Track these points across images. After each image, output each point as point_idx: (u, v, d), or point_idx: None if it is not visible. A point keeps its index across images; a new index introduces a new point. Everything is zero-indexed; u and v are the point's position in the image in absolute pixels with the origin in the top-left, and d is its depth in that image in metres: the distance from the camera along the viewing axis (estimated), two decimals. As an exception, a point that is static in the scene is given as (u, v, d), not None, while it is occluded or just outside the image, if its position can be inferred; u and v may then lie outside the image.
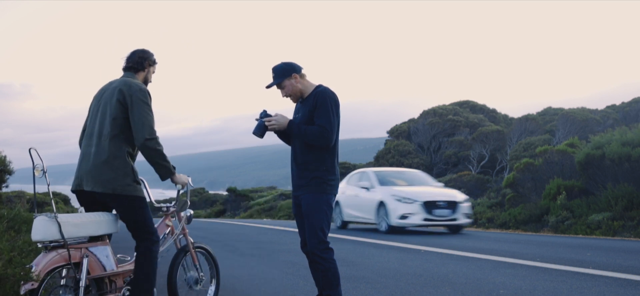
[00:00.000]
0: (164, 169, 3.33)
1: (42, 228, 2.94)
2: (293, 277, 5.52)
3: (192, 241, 3.95)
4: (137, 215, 3.30)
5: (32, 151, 2.97)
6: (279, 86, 3.57)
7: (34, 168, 3.01)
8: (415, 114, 32.38)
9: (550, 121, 28.84)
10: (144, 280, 3.26)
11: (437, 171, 26.51)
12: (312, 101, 3.50)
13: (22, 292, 2.80)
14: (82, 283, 2.99)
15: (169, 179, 3.46)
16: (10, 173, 8.21)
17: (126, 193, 3.20)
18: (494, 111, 32.98)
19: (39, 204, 23.49)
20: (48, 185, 3.07)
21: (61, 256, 2.95)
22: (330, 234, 3.58)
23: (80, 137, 3.47)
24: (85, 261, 3.05)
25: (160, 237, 3.62)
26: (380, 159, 27.04)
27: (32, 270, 2.83)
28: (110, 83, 3.40)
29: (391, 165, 26.00)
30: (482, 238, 10.03)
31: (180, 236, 3.88)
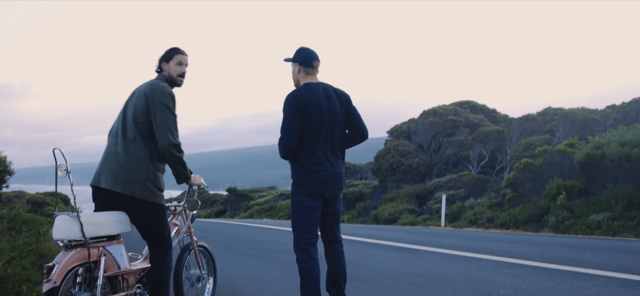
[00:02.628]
0: (182, 175, 3.41)
1: (64, 227, 2.97)
2: (293, 277, 5.52)
3: (196, 240, 4.02)
4: (153, 221, 3.30)
5: (56, 150, 2.97)
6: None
7: (57, 167, 3.01)
8: (415, 114, 32.42)
9: (550, 121, 28.83)
10: (161, 286, 3.32)
11: (437, 171, 26.50)
12: None
13: (44, 290, 2.81)
14: (100, 281, 3.03)
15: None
16: (10, 173, 8.20)
17: (145, 197, 3.21)
18: (494, 111, 32.97)
19: (39, 204, 23.51)
20: (71, 185, 3.06)
21: (81, 255, 2.98)
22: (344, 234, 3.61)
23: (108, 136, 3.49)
24: (102, 259, 3.09)
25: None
26: (380, 159, 27.03)
27: (54, 267, 2.84)
28: (140, 86, 3.39)
29: (391, 165, 26.01)
30: (482, 238, 10.03)
31: (185, 235, 3.96)
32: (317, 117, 3.39)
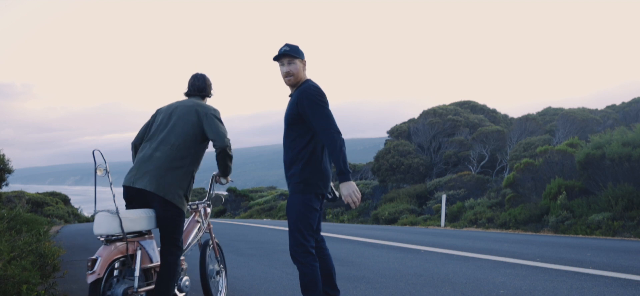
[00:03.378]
0: (229, 170, 3.86)
1: (105, 222, 3.21)
2: (293, 277, 5.52)
3: (214, 236, 4.34)
4: (175, 225, 3.55)
5: (95, 152, 3.19)
6: (289, 61, 3.40)
7: (96, 167, 3.21)
8: (416, 114, 32.43)
9: (550, 121, 28.84)
10: (167, 284, 3.46)
11: (437, 171, 26.49)
12: (297, 95, 3.35)
13: (89, 281, 3.03)
14: (137, 273, 3.24)
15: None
16: (9, 171, 8.21)
17: (175, 202, 3.50)
18: (494, 111, 32.97)
19: (39, 204, 23.51)
20: (111, 184, 3.26)
21: (120, 249, 3.21)
22: (326, 234, 3.59)
23: (135, 142, 3.85)
24: (139, 253, 3.32)
25: (194, 232, 4.08)
26: (380, 159, 27.03)
27: (97, 260, 3.08)
28: (182, 102, 3.82)
29: (391, 165, 26.00)
30: (482, 238, 10.03)
31: (205, 232, 4.25)
32: None
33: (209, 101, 4.03)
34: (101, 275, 3.04)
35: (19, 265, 3.49)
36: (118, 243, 3.23)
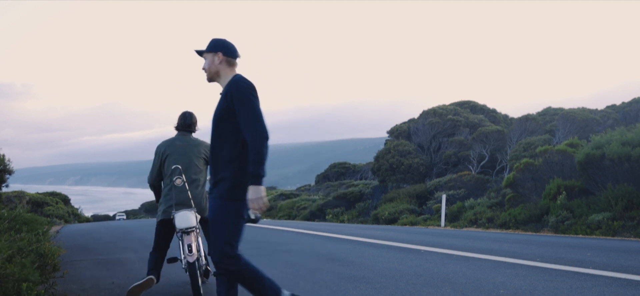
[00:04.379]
0: None
1: (188, 219, 4.41)
2: (293, 277, 5.52)
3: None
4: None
5: (175, 168, 4.62)
6: (205, 57, 3.27)
7: (176, 178, 4.55)
8: (416, 114, 32.43)
9: (550, 121, 28.84)
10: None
11: (437, 171, 26.49)
12: (227, 88, 3.13)
13: (191, 261, 4.26)
14: (202, 252, 4.66)
15: None
16: (10, 172, 8.21)
17: (204, 215, 4.81)
18: (494, 111, 32.98)
19: (39, 204, 23.50)
20: (188, 191, 4.67)
21: (195, 236, 4.43)
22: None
23: (153, 182, 4.85)
24: (200, 240, 4.64)
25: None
26: (380, 159, 27.03)
27: (191, 245, 4.32)
28: (186, 141, 4.83)
29: (391, 165, 26.00)
30: (482, 238, 10.03)
31: None
32: None
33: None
34: (194, 258, 4.28)
35: (19, 264, 3.49)
36: (193, 234, 4.41)
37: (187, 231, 4.38)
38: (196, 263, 4.31)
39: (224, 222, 3.01)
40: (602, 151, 11.96)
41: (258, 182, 2.90)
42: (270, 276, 5.56)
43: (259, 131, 2.95)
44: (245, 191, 3.00)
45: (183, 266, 4.47)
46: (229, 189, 3.03)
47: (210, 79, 3.26)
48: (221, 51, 3.21)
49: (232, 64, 3.24)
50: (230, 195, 3.03)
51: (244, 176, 3.03)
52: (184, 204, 4.55)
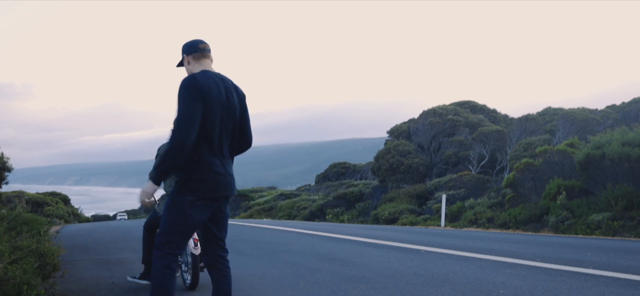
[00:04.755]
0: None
1: None
2: (293, 277, 5.53)
3: None
4: None
5: None
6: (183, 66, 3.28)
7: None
8: (416, 114, 32.44)
9: (550, 121, 28.84)
10: None
11: (437, 171, 26.50)
12: None
13: (197, 253, 4.84)
14: (198, 250, 4.90)
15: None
16: (9, 170, 8.22)
17: None
18: (494, 111, 32.98)
19: (39, 204, 23.51)
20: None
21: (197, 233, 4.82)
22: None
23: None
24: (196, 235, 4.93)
25: None
26: (380, 159, 27.03)
27: (198, 241, 4.84)
28: None
29: (391, 165, 26.00)
30: (482, 238, 10.03)
31: None
32: (215, 107, 3.02)
33: None
34: (199, 251, 4.82)
35: (20, 267, 3.49)
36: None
37: None
38: (199, 256, 4.91)
39: (165, 216, 3.03)
40: (602, 151, 11.96)
41: (151, 178, 2.96)
42: (272, 277, 5.59)
43: (174, 137, 2.89)
44: (188, 190, 2.98)
45: (180, 259, 4.96)
46: (175, 187, 3.05)
47: None
48: (185, 52, 3.19)
49: (198, 59, 3.17)
50: (175, 191, 3.04)
51: (188, 175, 3.00)
52: None
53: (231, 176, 3.18)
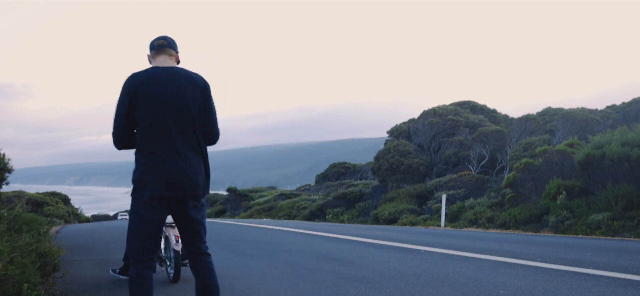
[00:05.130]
0: None
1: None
2: (293, 277, 5.53)
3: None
4: None
5: None
6: None
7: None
8: (416, 114, 32.43)
9: (550, 121, 28.83)
10: None
11: (437, 171, 26.49)
12: None
13: (179, 249, 5.27)
14: (179, 241, 5.33)
15: None
16: (9, 170, 8.20)
17: None
18: (494, 111, 32.97)
19: (39, 204, 23.50)
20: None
21: (173, 231, 5.48)
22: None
23: None
24: (174, 232, 5.47)
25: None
26: (380, 159, 27.03)
27: (178, 239, 5.31)
28: None
29: (391, 165, 26.00)
30: (482, 238, 10.03)
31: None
32: (158, 102, 2.92)
33: None
34: (180, 246, 5.27)
35: (20, 265, 3.50)
36: (176, 228, 5.23)
37: (172, 225, 5.50)
38: (180, 251, 5.41)
39: (129, 220, 2.99)
40: (602, 151, 11.96)
41: None
42: (272, 277, 5.59)
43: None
44: (138, 189, 2.92)
45: (163, 254, 5.69)
46: (132, 188, 3.02)
47: None
48: (149, 50, 3.21)
49: (155, 55, 3.16)
50: (132, 192, 2.99)
51: (137, 174, 2.95)
52: None
53: (192, 174, 2.99)
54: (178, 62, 3.22)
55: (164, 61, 3.13)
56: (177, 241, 5.28)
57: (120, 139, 2.96)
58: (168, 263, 5.55)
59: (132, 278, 2.88)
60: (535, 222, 12.37)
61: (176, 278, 5.35)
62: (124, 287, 5.22)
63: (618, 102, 31.34)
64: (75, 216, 27.21)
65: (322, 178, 40.95)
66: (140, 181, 2.91)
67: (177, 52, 3.20)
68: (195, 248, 3.08)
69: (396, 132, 29.51)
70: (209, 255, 3.12)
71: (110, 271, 5.77)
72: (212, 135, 3.15)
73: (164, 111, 2.93)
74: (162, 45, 3.14)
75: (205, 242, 3.12)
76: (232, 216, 34.31)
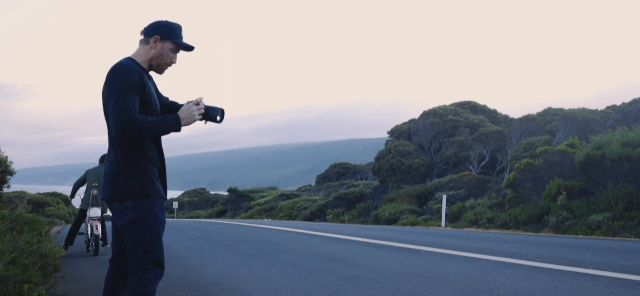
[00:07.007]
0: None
1: (96, 212, 8.44)
2: (293, 277, 5.53)
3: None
4: None
5: None
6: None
7: (93, 188, 7.63)
8: (416, 114, 32.38)
9: (550, 121, 28.82)
10: None
11: (437, 172, 26.49)
12: None
13: (97, 234, 8.20)
14: (100, 229, 8.32)
15: None
16: (11, 173, 8.22)
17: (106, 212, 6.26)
18: (494, 111, 32.96)
19: (40, 204, 23.53)
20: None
21: (99, 222, 8.41)
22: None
23: (78, 182, 9.60)
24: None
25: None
26: (381, 160, 27.03)
27: (98, 226, 8.28)
28: (101, 169, 7.19)
29: (392, 165, 26.01)
30: (482, 238, 10.03)
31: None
32: None
33: None
34: (101, 234, 8.52)
35: (21, 265, 3.51)
36: (98, 220, 8.41)
37: (95, 218, 8.30)
38: (99, 235, 8.21)
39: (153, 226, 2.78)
40: (602, 152, 11.96)
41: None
42: (272, 277, 5.59)
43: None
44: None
45: (88, 237, 8.58)
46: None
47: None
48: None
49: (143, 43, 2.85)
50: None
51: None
52: (96, 204, 8.50)
53: (108, 173, 2.75)
54: (152, 48, 2.83)
55: (137, 53, 2.86)
56: (97, 229, 8.15)
57: None
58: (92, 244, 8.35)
59: (106, 281, 2.88)
60: (535, 222, 12.37)
61: (96, 254, 8.08)
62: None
63: (618, 103, 31.33)
64: (76, 216, 27.22)
65: (323, 178, 40.95)
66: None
67: (145, 36, 2.83)
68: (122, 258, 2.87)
69: (396, 133, 29.51)
70: (129, 271, 2.77)
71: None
72: (110, 126, 2.67)
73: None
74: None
75: (132, 251, 2.71)
76: (233, 217, 34.32)
